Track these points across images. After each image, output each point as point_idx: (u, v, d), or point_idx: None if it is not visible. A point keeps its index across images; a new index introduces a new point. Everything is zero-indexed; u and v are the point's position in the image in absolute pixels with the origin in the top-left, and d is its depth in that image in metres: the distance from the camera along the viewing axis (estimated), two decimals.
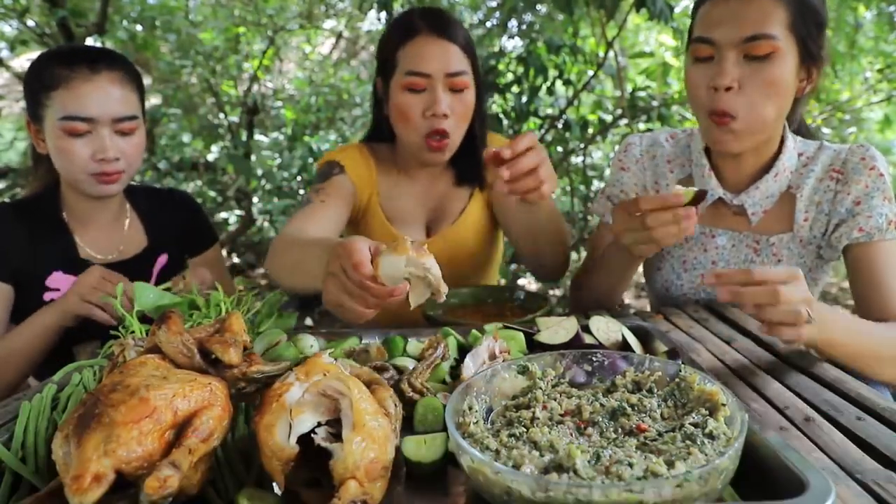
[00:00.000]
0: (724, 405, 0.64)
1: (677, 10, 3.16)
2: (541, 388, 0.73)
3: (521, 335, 0.97)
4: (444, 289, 0.80)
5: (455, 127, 1.35)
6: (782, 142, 1.24)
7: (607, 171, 4.38)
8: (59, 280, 1.34)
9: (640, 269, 1.43)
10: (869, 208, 1.17)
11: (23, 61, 4.73)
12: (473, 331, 1.00)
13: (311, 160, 4.38)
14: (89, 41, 3.83)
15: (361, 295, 0.81)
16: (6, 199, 3.79)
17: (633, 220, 1.04)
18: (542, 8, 3.57)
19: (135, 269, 1.36)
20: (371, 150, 1.49)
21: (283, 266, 1.14)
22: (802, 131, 1.34)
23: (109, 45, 4.05)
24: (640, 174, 1.40)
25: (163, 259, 1.47)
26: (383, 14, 3.03)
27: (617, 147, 1.50)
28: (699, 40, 1.14)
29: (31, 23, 4.05)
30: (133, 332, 0.93)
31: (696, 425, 0.62)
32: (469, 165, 1.48)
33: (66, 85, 1.24)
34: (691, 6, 1.26)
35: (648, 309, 1.50)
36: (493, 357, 0.88)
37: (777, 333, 0.86)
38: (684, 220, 1.01)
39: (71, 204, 1.38)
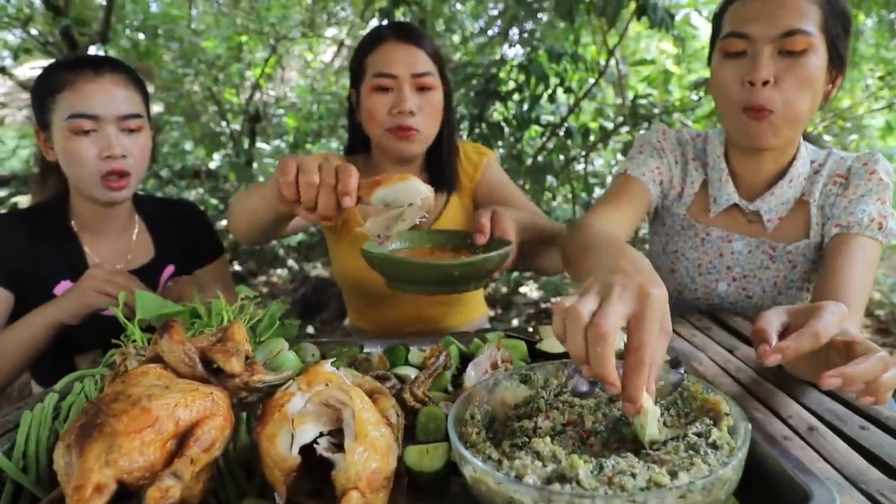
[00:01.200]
0: (727, 415, 0.64)
1: (678, 17, 3.16)
2: (543, 398, 0.73)
3: (523, 344, 0.97)
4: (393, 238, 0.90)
5: (425, 124, 1.37)
6: (797, 147, 1.24)
7: (608, 179, 4.38)
8: (67, 289, 1.34)
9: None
10: (856, 205, 1.17)
11: (26, 70, 4.75)
12: (476, 340, 1.00)
13: None
14: (92, 50, 3.85)
15: (326, 183, 0.88)
16: (11, 208, 3.80)
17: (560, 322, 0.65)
18: (543, 16, 3.58)
19: (142, 279, 1.36)
20: (349, 160, 1.53)
21: (236, 208, 1.20)
22: (807, 139, 1.34)
23: (112, 53, 4.07)
24: (673, 164, 1.36)
25: (169, 270, 1.47)
26: (385, 23, 3.05)
27: (644, 132, 1.43)
28: (732, 35, 1.13)
29: (34, 31, 4.07)
30: (135, 341, 0.93)
31: (699, 435, 0.62)
32: (441, 171, 1.51)
33: (71, 87, 1.26)
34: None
35: None
36: (495, 366, 0.88)
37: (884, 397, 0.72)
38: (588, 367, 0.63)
39: (80, 212, 1.38)
